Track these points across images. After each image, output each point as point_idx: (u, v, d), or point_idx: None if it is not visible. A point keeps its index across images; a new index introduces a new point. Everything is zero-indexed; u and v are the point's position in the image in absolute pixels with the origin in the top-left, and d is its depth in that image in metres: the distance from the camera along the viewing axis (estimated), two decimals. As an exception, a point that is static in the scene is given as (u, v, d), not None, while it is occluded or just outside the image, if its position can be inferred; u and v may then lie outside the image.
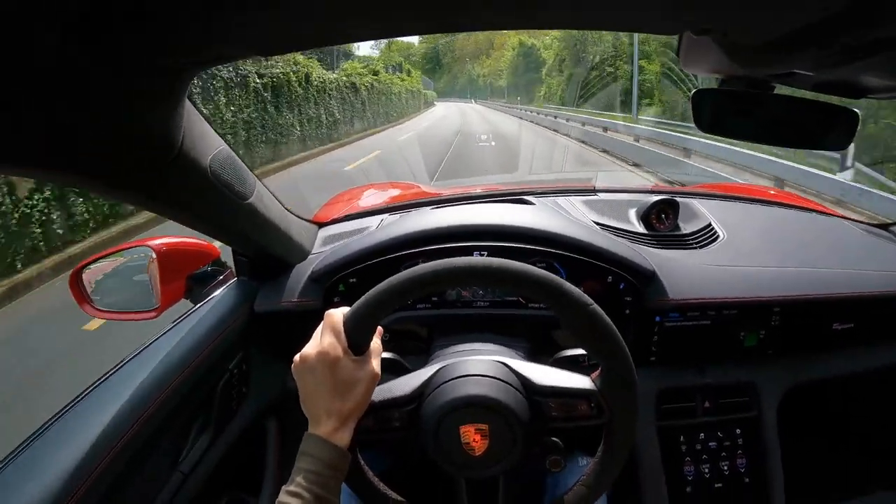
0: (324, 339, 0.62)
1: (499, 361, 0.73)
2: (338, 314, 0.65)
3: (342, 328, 0.63)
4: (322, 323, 0.65)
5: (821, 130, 0.68)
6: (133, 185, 0.64)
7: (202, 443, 0.92)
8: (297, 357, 0.63)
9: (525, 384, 0.70)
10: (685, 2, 0.45)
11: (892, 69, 0.50)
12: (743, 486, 1.13)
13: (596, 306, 0.65)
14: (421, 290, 0.64)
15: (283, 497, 0.55)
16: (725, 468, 1.13)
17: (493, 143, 14.48)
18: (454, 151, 12.44)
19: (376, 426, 0.69)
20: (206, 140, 0.71)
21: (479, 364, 0.72)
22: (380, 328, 0.69)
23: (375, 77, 21.87)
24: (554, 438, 0.74)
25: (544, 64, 43.74)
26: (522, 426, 0.67)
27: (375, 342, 0.67)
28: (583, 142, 13.64)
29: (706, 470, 1.13)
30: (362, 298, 0.64)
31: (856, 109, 0.67)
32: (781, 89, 0.65)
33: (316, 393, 0.61)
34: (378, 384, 0.68)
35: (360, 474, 0.69)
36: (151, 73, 0.52)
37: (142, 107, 0.55)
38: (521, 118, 27.17)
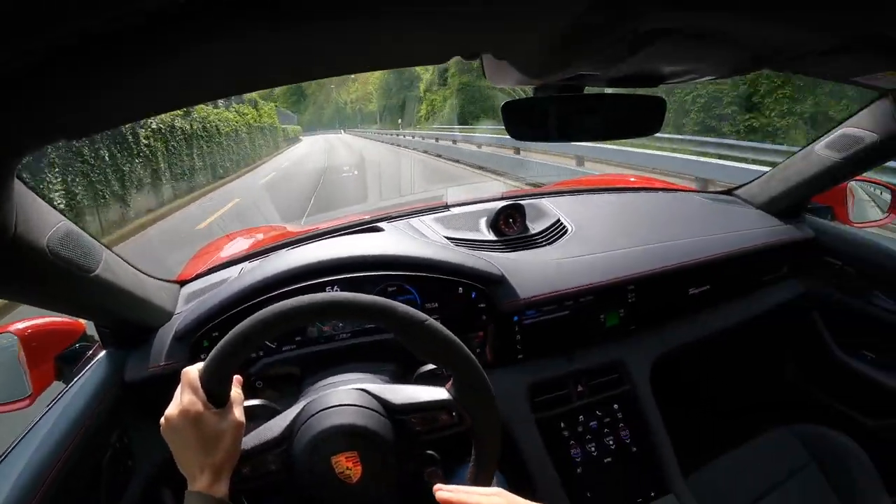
0: (183, 398, 0.64)
1: (358, 389, 0.75)
2: (193, 371, 0.66)
3: (199, 384, 0.65)
4: (180, 382, 0.67)
5: (634, 119, 0.73)
6: None
7: None
8: (162, 419, 0.65)
9: (385, 405, 0.73)
10: (441, 36, 0.46)
11: (668, 58, 0.53)
12: (631, 457, 1.18)
13: (431, 321, 0.68)
14: (263, 334, 0.66)
15: None
16: (611, 443, 1.18)
17: (355, 173, 13.74)
18: (321, 192, 10.99)
19: (253, 473, 0.70)
20: (42, 218, 0.68)
21: (341, 394, 0.74)
22: (238, 377, 0.71)
23: (182, 115, 13.90)
24: (430, 451, 0.77)
25: (420, 79, 39.24)
26: (390, 446, 0.70)
27: (235, 391, 0.69)
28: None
29: (592, 449, 1.17)
30: (212, 352, 0.66)
31: (661, 95, 0.72)
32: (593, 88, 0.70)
33: (186, 451, 0.63)
34: (251, 430, 0.71)
35: None
36: None
37: None
38: (392, 144, 25.79)
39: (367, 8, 0.37)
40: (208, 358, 0.66)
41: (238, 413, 0.67)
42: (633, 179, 2.19)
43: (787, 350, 1.68)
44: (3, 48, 0.31)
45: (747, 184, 1.63)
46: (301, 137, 51.32)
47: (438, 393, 0.73)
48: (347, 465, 0.69)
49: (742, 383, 1.74)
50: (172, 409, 0.65)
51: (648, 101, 0.71)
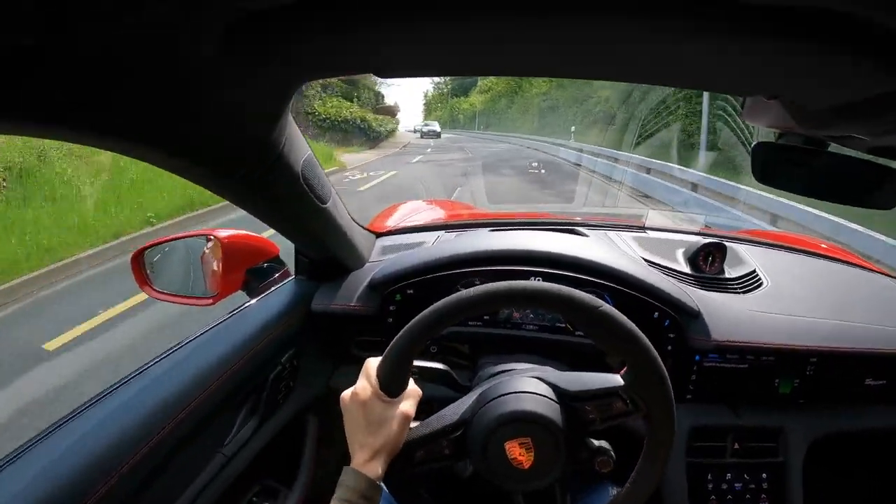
0: (359, 383, 0.71)
1: (532, 376, 0.76)
2: (373, 361, 0.72)
3: (374, 374, 0.70)
4: (363, 368, 0.73)
5: (870, 189, 0.70)
6: (236, 181, 0.68)
7: (247, 430, 0.95)
8: (342, 394, 0.72)
9: (558, 392, 0.73)
10: (764, 70, 0.46)
11: None
12: None
13: (607, 306, 0.68)
14: (439, 326, 0.69)
15: None
16: None
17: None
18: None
19: (428, 456, 0.73)
20: (299, 145, 0.75)
21: (515, 382, 0.75)
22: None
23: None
24: (601, 442, 0.75)
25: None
26: (563, 433, 0.69)
27: (412, 386, 0.73)
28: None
29: None
30: (390, 345, 0.69)
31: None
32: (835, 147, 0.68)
33: (352, 428, 0.69)
34: (429, 392, 0.75)
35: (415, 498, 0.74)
36: (271, 85, 0.55)
37: (256, 115, 0.59)
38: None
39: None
40: (386, 351, 0.70)
41: (408, 406, 0.71)
42: (824, 246, 2.04)
43: None
44: None
45: None
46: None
47: (612, 379, 0.73)
48: (521, 450, 0.70)
49: None
50: (349, 390, 0.71)
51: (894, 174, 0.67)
